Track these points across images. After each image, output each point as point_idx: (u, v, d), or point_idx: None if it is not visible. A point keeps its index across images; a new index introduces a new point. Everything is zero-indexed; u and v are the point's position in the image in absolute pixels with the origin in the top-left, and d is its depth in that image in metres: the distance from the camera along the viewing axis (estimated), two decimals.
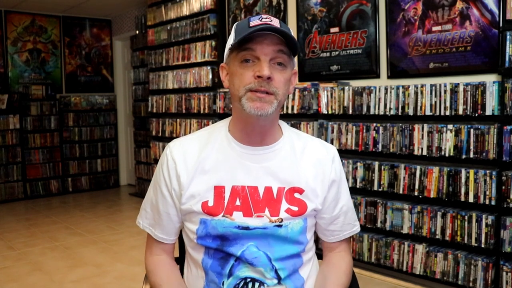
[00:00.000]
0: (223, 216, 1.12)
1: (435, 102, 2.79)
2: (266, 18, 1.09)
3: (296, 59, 3.84)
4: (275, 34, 1.08)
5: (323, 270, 1.25)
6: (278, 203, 1.15)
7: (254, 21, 1.09)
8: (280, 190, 1.16)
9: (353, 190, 3.18)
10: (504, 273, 2.53)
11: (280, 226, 1.13)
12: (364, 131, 3.14)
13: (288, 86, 1.14)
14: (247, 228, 1.12)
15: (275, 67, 1.09)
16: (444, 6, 2.85)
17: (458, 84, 2.70)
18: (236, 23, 1.16)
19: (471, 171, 2.64)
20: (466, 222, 2.67)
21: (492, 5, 2.65)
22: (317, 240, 1.30)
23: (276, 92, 1.09)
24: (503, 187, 2.51)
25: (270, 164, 1.16)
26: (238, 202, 1.13)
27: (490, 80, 2.61)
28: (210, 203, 1.13)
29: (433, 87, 2.79)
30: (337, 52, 3.49)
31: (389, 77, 3.19)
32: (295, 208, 1.15)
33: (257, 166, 1.16)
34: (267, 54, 1.08)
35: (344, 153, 3.27)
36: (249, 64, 1.09)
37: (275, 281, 1.14)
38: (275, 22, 1.09)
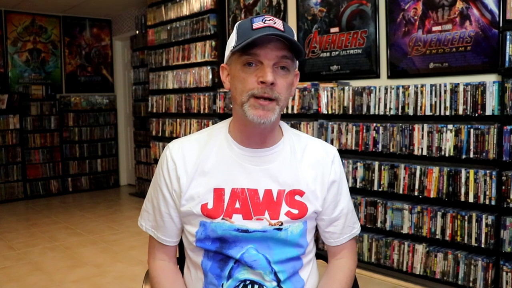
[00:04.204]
0: (222, 218, 1.11)
1: (435, 102, 2.79)
2: (270, 20, 1.07)
3: None
4: (280, 38, 1.05)
5: (321, 282, 1.24)
6: (278, 206, 1.13)
7: (258, 23, 1.06)
8: (280, 192, 1.14)
9: (353, 190, 3.18)
10: (504, 273, 2.53)
11: (280, 229, 1.12)
12: (364, 131, 3.13)
13: (290, 90, 1.13)
14: (246, 231, 1.11)
15: (278, 71, 1.07)
16: (444, 6, 2.85)
17: (458, 84, 2.70)
18: (238, 23, 1.12)
19: (471, 171, 2.64)
20: (466, 222, 2.67)
21: (492, 5, 2.65)
22: (317, 240, 1.30)
23: (279, 97, 1.07)
24: (503, 187, 2.51)
25: (270, 167, 1.15)
26: (237, 205, 1.12)
27: (490, 80, 2.61)
28: (210, 206, 1.12)
29: (433, 87, 2.79)
30: (337, 52, 3.49)
31: (389, 77, 3.19)
32: (295, 211, 1.14)
33: (257, 169, 1.15)
34: (270, 59, 1.05)
35: (344, 153, 3.27)
36: (252, 68, 1.07)
37: (275, 283, 1.13)
38: (279, 25, 1.06)
